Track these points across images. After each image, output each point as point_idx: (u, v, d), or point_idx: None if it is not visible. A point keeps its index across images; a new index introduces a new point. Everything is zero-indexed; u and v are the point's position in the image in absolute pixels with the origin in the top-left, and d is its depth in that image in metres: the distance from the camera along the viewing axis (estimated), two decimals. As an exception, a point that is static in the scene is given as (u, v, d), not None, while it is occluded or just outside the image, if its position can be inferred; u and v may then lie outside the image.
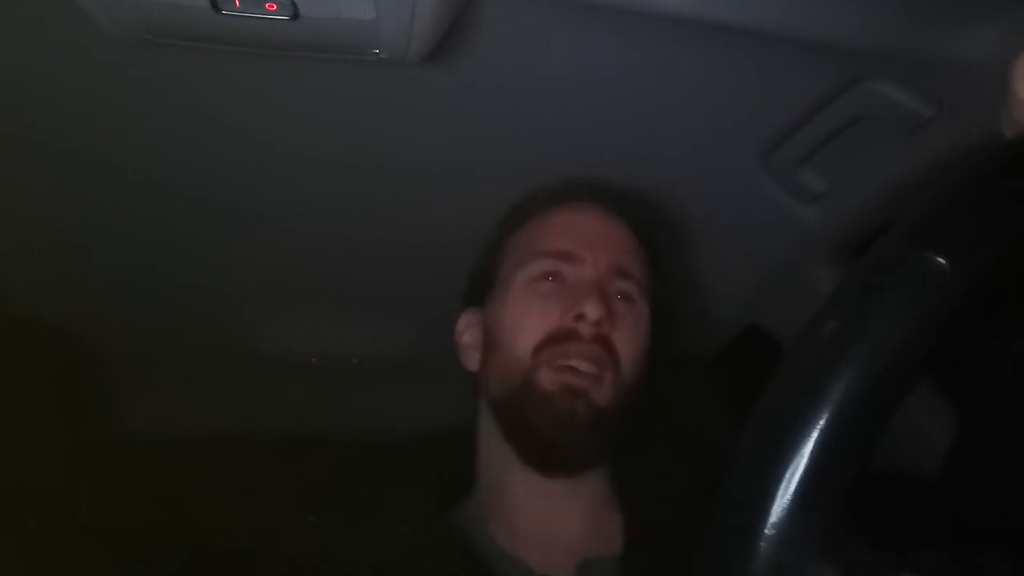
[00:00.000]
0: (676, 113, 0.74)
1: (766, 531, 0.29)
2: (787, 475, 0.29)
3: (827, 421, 0.29)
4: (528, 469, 0.72)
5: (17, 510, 1.11)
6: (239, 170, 0.82)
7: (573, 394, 0.69)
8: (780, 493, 0.29)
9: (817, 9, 0.56)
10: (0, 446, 1.11)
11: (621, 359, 0.71)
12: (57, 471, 1.20)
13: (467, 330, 0.81)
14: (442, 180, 0.84)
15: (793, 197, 0.83)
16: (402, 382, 1.38)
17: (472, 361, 0.80)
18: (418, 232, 0.94)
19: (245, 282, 1.07)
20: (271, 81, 0.69)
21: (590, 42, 0.64)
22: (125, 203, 0.87)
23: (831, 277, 0.88)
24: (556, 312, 0.71)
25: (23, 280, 1.04)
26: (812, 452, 0.29)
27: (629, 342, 0.72)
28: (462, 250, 0.98)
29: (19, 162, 0.79)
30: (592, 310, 0.69)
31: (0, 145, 0.77)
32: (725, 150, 0.80)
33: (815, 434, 0.29)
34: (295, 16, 0.53)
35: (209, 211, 0.89)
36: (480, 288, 0.81)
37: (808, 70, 0.67)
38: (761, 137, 0.77)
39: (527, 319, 0.72)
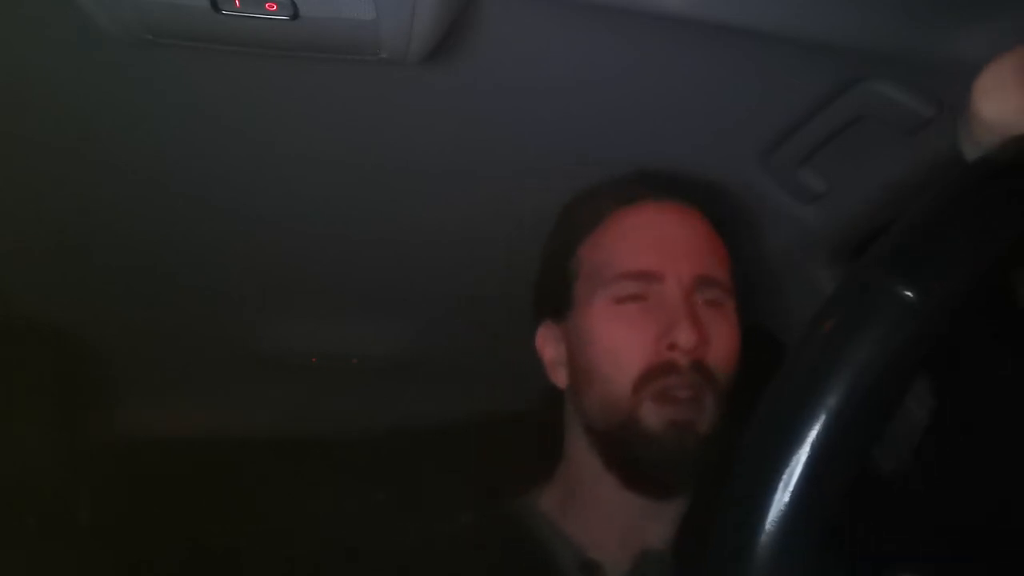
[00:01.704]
0: (676, 113, 0.74)
1: (766, 528, 0.29)
2: (786, 473, 0.29)
3: (825, 422, 0.29)
4: (627, 491, 0.71)
5: (17, 510, 1.11)
6: (239, 170, 0.82)
7: (680, 429, 0.68)
8: (780, 491, 0.29)
9: (817, 9, 0.56)
10: (0, 446, 1.11)
11: (718, 377, 0.70)
12: (57, 471, 1.20)
13: (548, 345, 0.79)
14: (442, 180, 0.84)
15: (793, 197, 0.83)
16: (402, 382, 1.38)
17: (559, 377, 0.78)
18: (418, 232, 0.94)
19: (245, 282, 1.07)
20: (271, 81, 0.69)
21: (590, 42, 0.64)
22: (125, 203, 0.87)
23: (831, 277, 0.88)
24: (650, 340, 0.70)
25: (23, 280, 1.04)
26: (811, 451, 0.29)
27: (723, 354, 0.71)
28: (462, 250, 0.98)
29: (19, 162, 0.79)
30: (685, 339, 0.68)
31: (0, 145, 0.77)
32: (725, 150, 0.80)
33: (814, 434, 0.29)
34: (295, 16, 0.53)
35: (209, 211, 0.89)
36: (555, 302, 0.78)
37: (808, 70, 0.67)
38: (761, 137, 0.77)
39: (622, 350, 0.71)
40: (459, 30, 0.60)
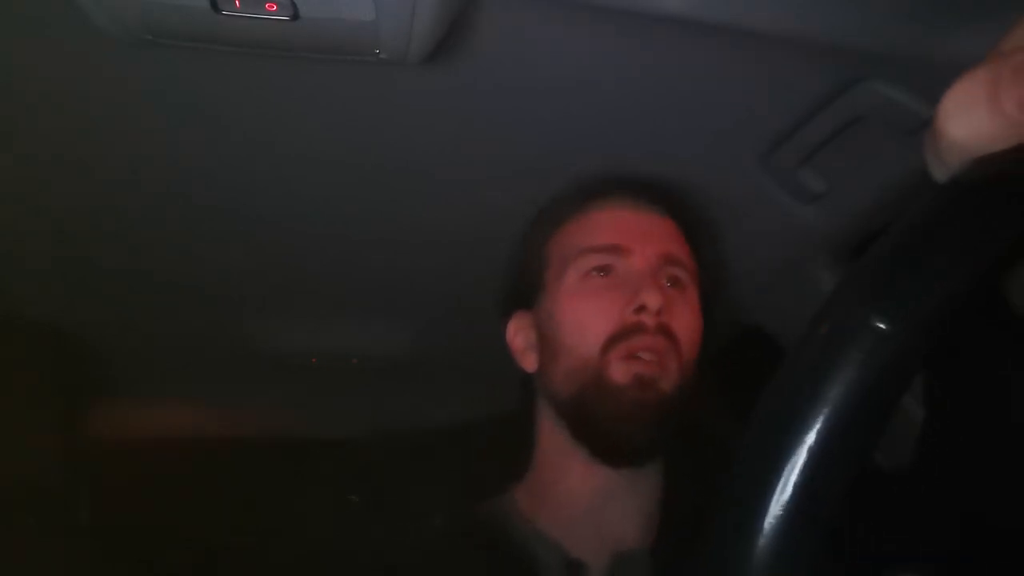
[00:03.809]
0: (676, 113, 0.74)
1: (765, 529, 0.29)
2: (785, 474, 0.29)
3: (825, 422, 0.29)
4: (594, 463, 0.73)
5: (17, 510, 1.11)
6: (239, 170, 0.82)
7: (644, 384, 0.70)
8: (779, 492, 0.29)
9: (817, 9, 0.56)
10: (0, 446, 1.11)
11: (682, 346, 0.73)
12: (57, 471, 1.20)
13: (519, 333, 0.82)
14: (442, 180, 0.84)
15: (793, 197, 0.83)
16: (402, 382, 1.39)
17: (529, 363, 0.81)
18: (418, 232, 0.94)
19: (245, 282, 1.07)
20: (271, 81, 0.69)
21: (590, 42, 0.64)
22: (125, 203, 0.87)
23: (831, 277, 0.88)
24: (616, 307, 0.73)
25: (23, 280, 1.04)
26: (810, 452, 0.29)
27: (686, 328, 0.74)
28: (462, 250, 0.98)
29: (19, 162, 0.79)
30: (652, 300, 0.71)
31: (0, 145, 0.77)
32: (725, 150, 0.80)
33: (813, 435, 0.29)
34: (295, 16, 0.53)
35: (209, 211, 0.89)
36: (527, 291, 0.81)
37: (808, 70, 0.67)
38: (761, 137, 0.77)
39: (589, 318, 0.74)
40: (459, 30, 0.60)
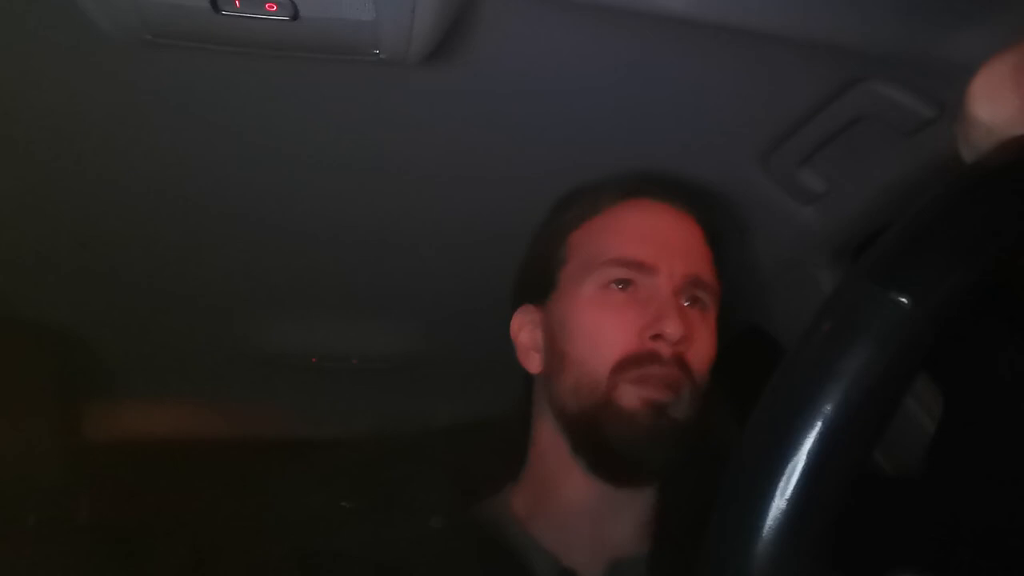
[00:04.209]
0: (676, 113, 0.74)
1: (766, 529, 0.29)
2: (786, 474, 0.29)
3: (824, 422, 0.29)
4: (594, 478, 0.71)
5: (17, 510, 1.11)
6: (239, 170, 0.82)
7: (655, 410, 0.68)
8: (779, 492, 0.29)
9: (817, 9, 0.56)
10: (0, 446, 1.12)
11: (695, 374, 0.71)
12: (57, 471, 1.20)
13: (524, 329, 0.79)
14: (442, 180, 0.84)
15: (793, 197, 0.83)
16: (402, 382, 1.39)
17: (532, 363, 0.78)
18: (419, 232, 0.94)
19: (245, 282, 1.07)
20: (271, 81, 0.69)
21: (591, 42, 0.64)
22: (125, 203, 0.87)
23: (831, 278, 0.89)
24: (634, 329, 0.70)
25: (23, 280, 1.04)
26: (810, 452, 0.29)
27: (702, 355, 0.72)
28: (462, 250, 0.98)
29: (19, 163, 0.80)
30: (672, 330, 0.68)
31: (0, 145, 0.77)
32: (725, 150, 0.80)
33: (813, 435, 0.29)
34: (295, 16, 0.53)
35: (209, 211, 0.89)
36: (538, 285, 0.78)
37: (808, 70, 0.67)
38: (761, 137, 0.77)
39: (602, 335, 0.71)
40: (459, 30, 0.60)
